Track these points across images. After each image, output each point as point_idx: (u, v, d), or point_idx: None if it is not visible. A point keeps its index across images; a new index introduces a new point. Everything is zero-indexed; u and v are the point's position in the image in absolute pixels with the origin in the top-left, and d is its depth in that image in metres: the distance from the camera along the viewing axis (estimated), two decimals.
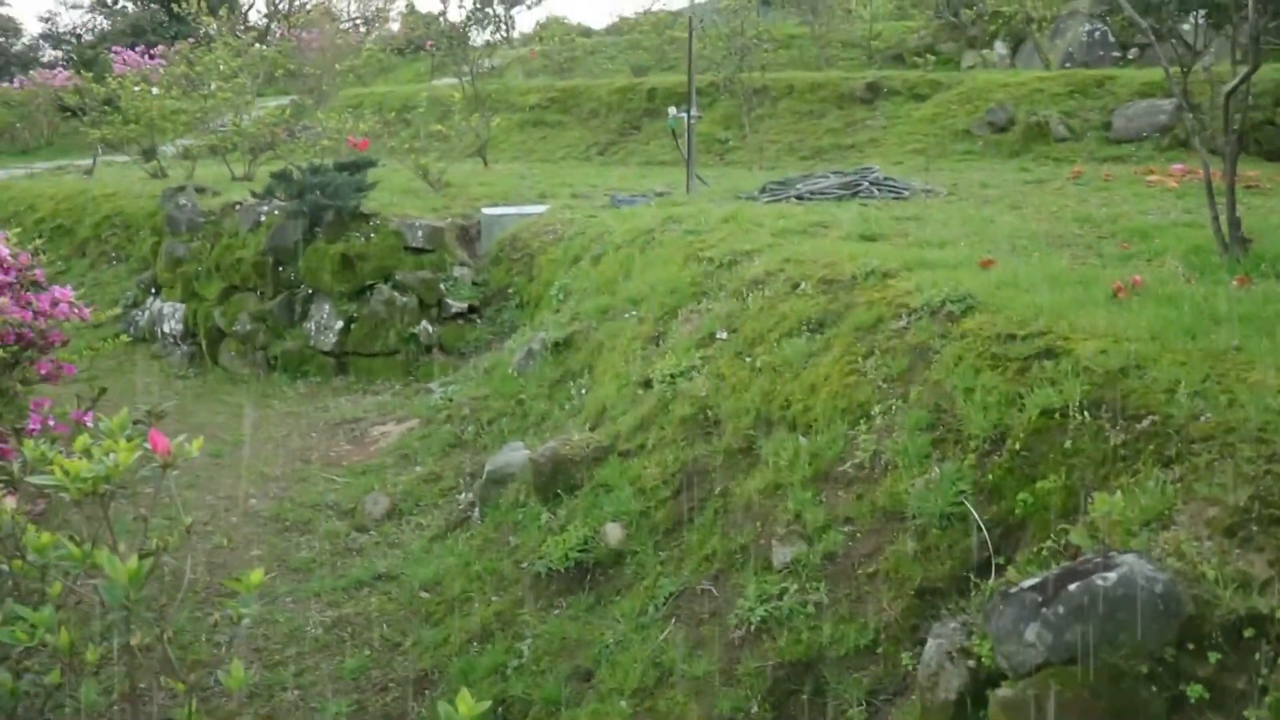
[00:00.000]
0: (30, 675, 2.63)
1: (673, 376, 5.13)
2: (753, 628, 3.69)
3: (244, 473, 6.80)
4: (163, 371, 9.69)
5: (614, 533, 4.58)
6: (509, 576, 4.87)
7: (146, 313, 10.36)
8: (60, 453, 3.07)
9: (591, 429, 5.39)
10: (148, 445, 2.72)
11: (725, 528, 4.25)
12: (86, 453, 2.75)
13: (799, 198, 8.47)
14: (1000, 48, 14.98)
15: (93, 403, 3.17)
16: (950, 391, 3.83)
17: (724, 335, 5.19)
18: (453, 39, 17.55)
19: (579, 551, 4.58)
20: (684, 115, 10.13)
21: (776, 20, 17.67)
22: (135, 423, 3.18)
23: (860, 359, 4.34)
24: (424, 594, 5.11)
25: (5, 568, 2.68)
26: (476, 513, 5.58)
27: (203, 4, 21.49)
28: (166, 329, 9.99)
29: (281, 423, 7.80)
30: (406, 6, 31.85)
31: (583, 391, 6.05)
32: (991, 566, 3.28)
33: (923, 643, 3.28)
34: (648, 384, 5.33)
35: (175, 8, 25.33)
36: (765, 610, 3.69)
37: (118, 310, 10.21)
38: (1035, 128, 11.31)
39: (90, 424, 5.45)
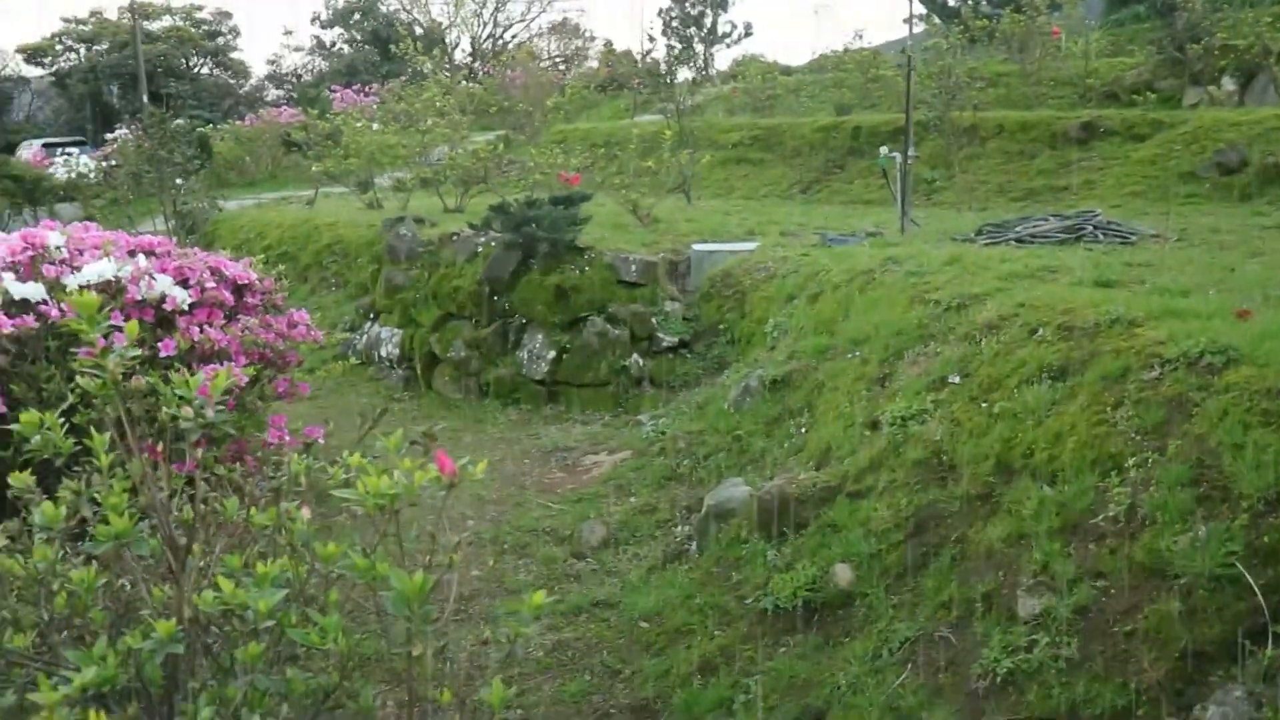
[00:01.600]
0: (324, 676, 2.77)
1: (903, 419, 5.06)
2: (998, 679, 3.59)
3: (462, 495, 7.01)
4: (379, 393, 10.11)
5: (843, 573, 4.53)
6: (732, 612, 4.88)
7: (365, 336, 10.85)
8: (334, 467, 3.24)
9: (816, 468, 5.36)
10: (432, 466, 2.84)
11: (964, 575, 4.16)
12: (362, 470, 2.89)
13: (1018, 240, 8.27)
14: (1228, 83, 14.30)
15: (375, 422, 3.34)
16: (1215, 447, 3.66)
17: (957, 379, 5.09)
18: (658, 77, 17.89)
19: (807, 590, 4.55)
20: (895, 155, 10.04)
21: (983, 58, 17.35)
22: (411, 443, 3.33)
23: (1109, 409, 4.19)
24: (643, 624, 5.15)
25: (290, 575, 2.83)
26: (694, 546, 5.61)
27: (417, 44, 22.52)
28: (384, 353, 10.44)
29: (495, 448, 8.02)
30: (605, 45, 32.65)
31: (803, 430, 6.02)
32: (1269, 634, 3.11)
33: (1188, 709, 3.14)
34: (875, 425, 5.27)
35: (392, 48, 26.64)
36: (1012, 662, 3.59)
37: (346, 334, 10.71)
38: (1272, 169, 10.74)
39: (321, 440, 5.73)
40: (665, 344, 8.62)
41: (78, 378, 2.54)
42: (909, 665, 3.98)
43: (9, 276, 5.24)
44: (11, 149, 33.27)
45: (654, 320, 8.70)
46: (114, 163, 18.82)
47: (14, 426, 2.76)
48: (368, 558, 2.77)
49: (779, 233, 10.13)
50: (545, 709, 4.71)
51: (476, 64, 37.47)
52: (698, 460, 6.63)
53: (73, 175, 19.66)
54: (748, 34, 23.08)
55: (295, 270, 13.40)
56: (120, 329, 5.30)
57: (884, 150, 10.37)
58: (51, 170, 19.86)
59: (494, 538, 6.38)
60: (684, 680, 4.57)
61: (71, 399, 4.03)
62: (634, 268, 8.92)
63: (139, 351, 2.50)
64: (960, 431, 4.74)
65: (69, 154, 22.20)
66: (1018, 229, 8.64)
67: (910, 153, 9.88)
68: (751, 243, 9.37)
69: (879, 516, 4.66)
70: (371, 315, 11.07)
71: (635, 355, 8.59)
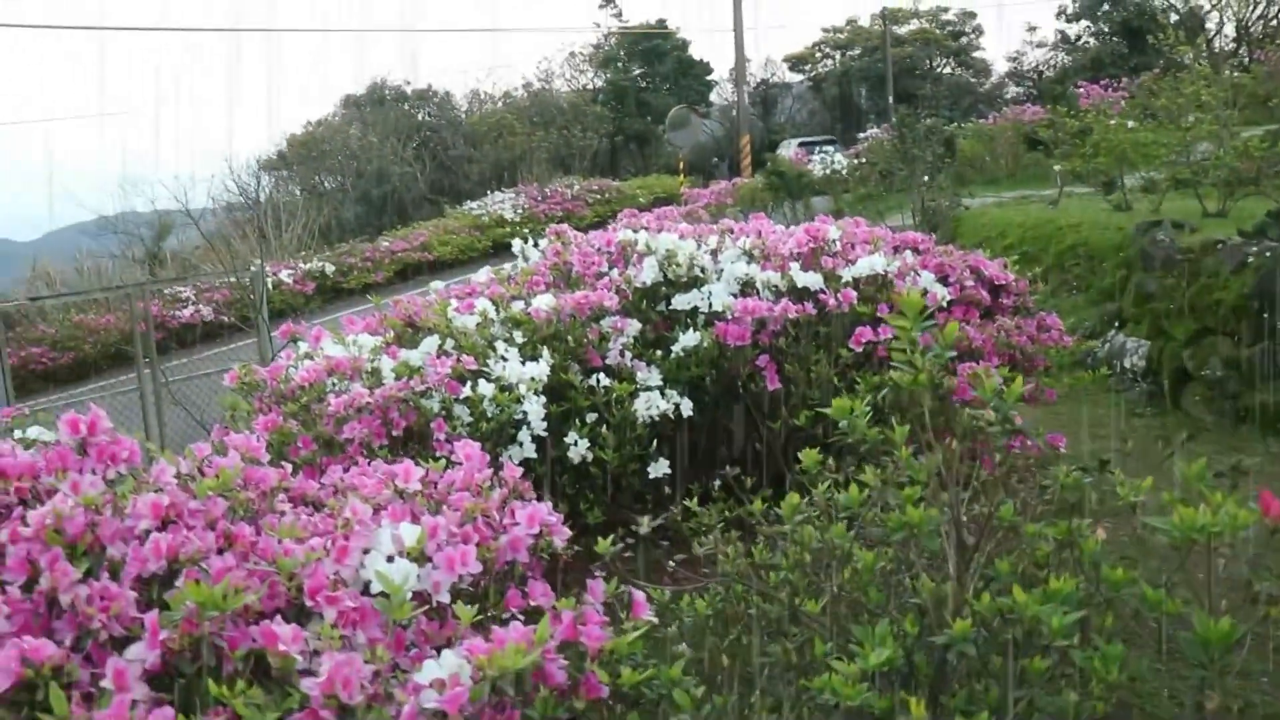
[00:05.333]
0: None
1: None
2: None
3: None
4: (1116, 406, 9.60)
5: None
6: None
7: (1107, 345, 10.36)
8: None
9: None
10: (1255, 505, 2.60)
11: None
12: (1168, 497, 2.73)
13: None
14: None
15: (1176, 448, 3.13)
16: None
17: None
18: None
19: None
20: None
21: None
22: (1217, 475, 3.06)
23: None
24: None
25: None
26: None
27: (1178, 33, 21.00)
28: (1127, 364, 9.89)
29: (1247, 481, 7.20)
30: None
31: None
32: None
33: None
34: None
35: (1151, 39, 25.16)
36: None
37: (1087, 341, 10.33)
38: None
39: (1062, 448, 5.52)
40: None
41: (891, 371, 2.64)
42: None
43: (795, 266, 5.73)
44: (773, 147, 36.90)
45: None
46: (864, 160, 19.96)
47: (795, 405, 2.96)
48: (1159, 589, 2.60)
49: None
50: None
51: (1241, 50, 34.12)
52: None
53: (827, 171, 21.23)
54: None
55: (1034, 271, 13.19)
56: (888, 321, 5.53)
57: None
58: (810, 167, 21.67)
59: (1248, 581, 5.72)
60: None
61: (844, 384, 4.24)
62: None
63: (951, 353, 2.53)
64: None
65: (825, 151, 24.03)
66: None
67: None
68: None
69: None
70: (1116, 323, 10.54)
71: None
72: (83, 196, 43.28)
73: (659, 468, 5.42)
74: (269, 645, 2.26)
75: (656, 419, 5.35)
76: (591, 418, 5.40)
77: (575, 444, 5.18)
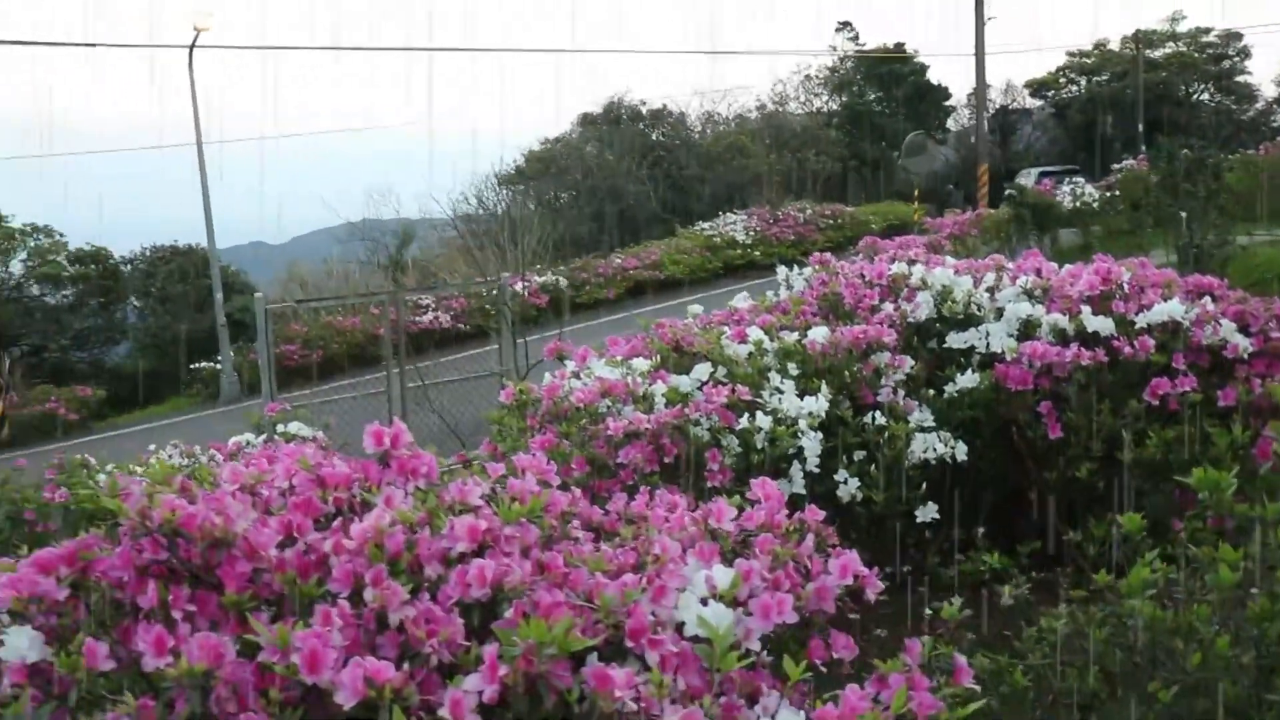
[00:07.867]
0: None
1: None
2: None
3: None
4: None
5: None
6: None
7: None
8: None
9: None
10: None
11: None
12: None
13: None
14: None
15: None
16: None
17: None
18: None
19: None
20: None
21: None
22: None
23: None
24: None
25: None
26: None
27: None
28: None
29: None
30: None
31: None
32: None
33: None
34: None
35: None
36: None
37: None
38: None
39: None
40: None
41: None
42: None
43: (1087, 310, 5.41)
44: (1011, 176, 35.65)
45: None
46: (1118, 192, 18.93)
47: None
48: None
49: None
50: None
51: None
52: None
53: (1077, 203, 20.25)
54: None
55: None
56: (1184, 371, 5.12)
57: None
58: (1058, 198, 20.72)
59: None
60: None
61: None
62: None
63: None
64: None
65: (1075, 182, 22.86)
66: None
67: None
68: None
69: None
70: None
71: None
72: (330, 203, 45.80)
73: (928, 511, 5.19)
74: (601, 689, 2.20)
75: (933, 461, 5.13)
76: (859, 455, 5.23)
77: (845, 482, 5.02)
